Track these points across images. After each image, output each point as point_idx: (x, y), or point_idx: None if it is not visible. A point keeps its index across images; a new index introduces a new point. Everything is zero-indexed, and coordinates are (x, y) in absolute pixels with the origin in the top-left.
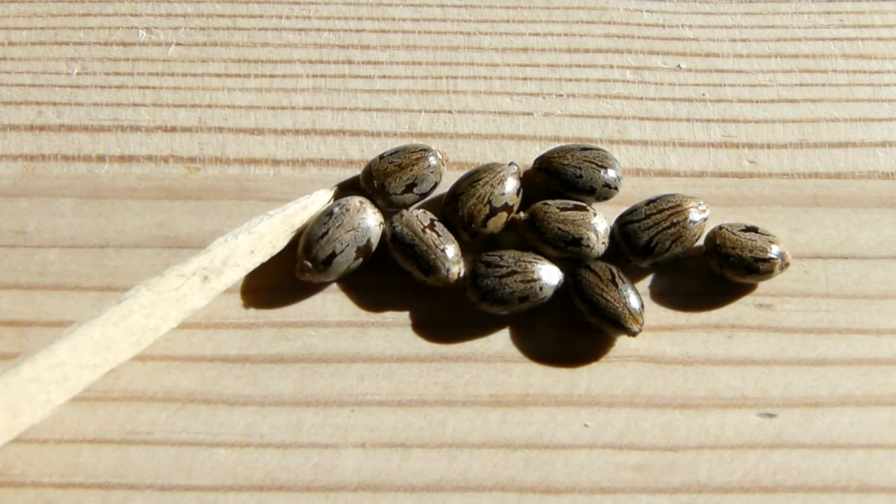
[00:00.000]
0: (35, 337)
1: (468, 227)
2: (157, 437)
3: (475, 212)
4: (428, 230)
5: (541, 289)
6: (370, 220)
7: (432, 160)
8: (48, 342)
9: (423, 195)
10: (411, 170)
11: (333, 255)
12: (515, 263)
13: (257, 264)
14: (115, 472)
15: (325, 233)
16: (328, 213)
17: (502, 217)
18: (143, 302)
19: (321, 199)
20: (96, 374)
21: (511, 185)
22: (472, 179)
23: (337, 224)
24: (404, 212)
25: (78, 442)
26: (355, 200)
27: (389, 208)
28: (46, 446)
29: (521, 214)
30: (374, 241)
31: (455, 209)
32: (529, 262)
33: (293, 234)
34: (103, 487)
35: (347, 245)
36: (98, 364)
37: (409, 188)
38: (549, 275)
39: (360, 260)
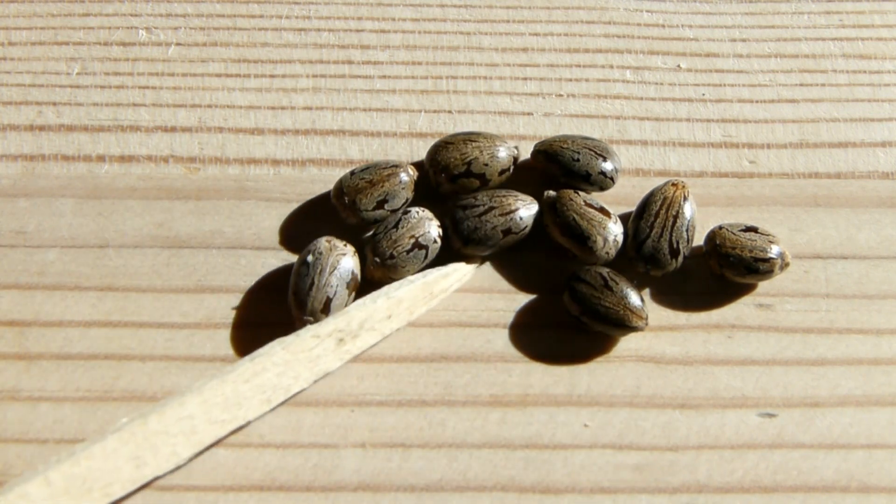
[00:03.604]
0: (35, 337)
1: (437, 175)
2: None
3: (451, 164)
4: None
5: (521, 219)
6: (346, 257)
7: (403, 176)
8: (179, 394)
9: (394, 211)
10: (382, 186)
11: (329, 301)
12: (491, 200)
13: (394, 329)
14: None
15: (312, 283)
16: (304, 264)
17: (473, 183)
18: (276, 360)
19: (463, 270)
20: (224, 430)
21: (500, 160)
22: (470, 138)
23: (318, 270)
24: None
25: (78, 442)
26: (322, 242)
27: (360, 224)
28: (47, 446)
29: (551, 193)
30: (358, 272)
31: (436, 153)
32: (504, 196)
33: (432, 300)
34: None
35: (337, 286)
36: (226, 420)
37: (380, 204)
38: (525, 204)
39: (353, 294)
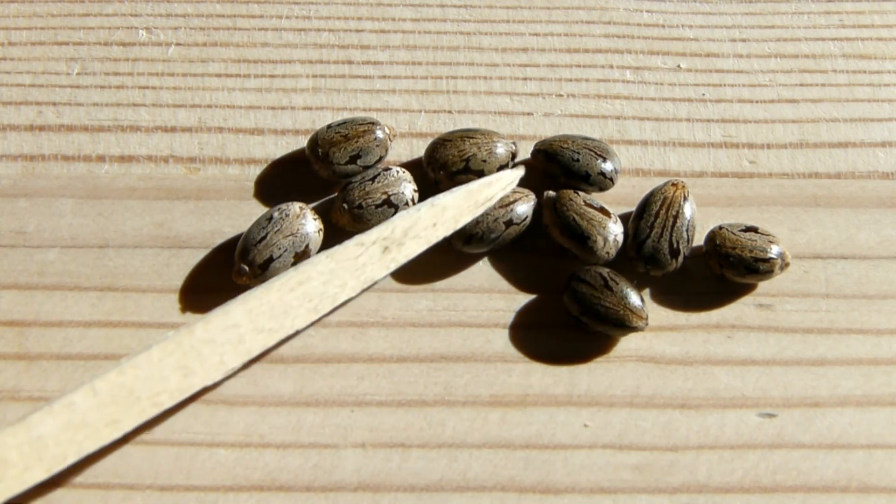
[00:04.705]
0: (35, 337)
1: (436, 172)
2: (157, 437)
3: (449, 161)
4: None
5: (520, 210)
6: (309, 227)
7: (379, 133)
8: (225, 304)
9: (367, 167)
10: (357, 141)
11: (271, 259)
12: None
13: (440, 238)
14: (115, 472)
15: (264, 237)
16: (268, 218)
17: (472, 180)
18: (321, 269)
19: (508, 177)
20: (272, 339)
21: (498, 156)
22: (467, 135)
23: (276, 229)
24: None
25: None
26: (295, 206)
27: (332, 178)
28: None
29: (551, 193)
30: (313, 248)
31: (434, 150)
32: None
33: (476, 209)
34: (103, 487)
35: (285, 250)
36: (274, 328)
37: (353, 159)
38: (522, 196)
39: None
